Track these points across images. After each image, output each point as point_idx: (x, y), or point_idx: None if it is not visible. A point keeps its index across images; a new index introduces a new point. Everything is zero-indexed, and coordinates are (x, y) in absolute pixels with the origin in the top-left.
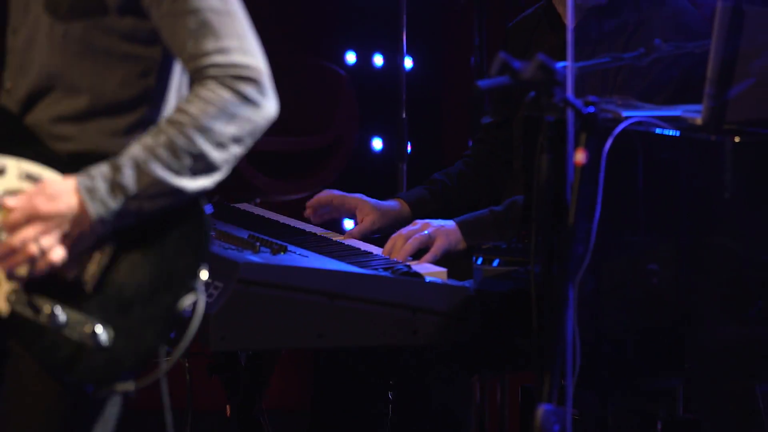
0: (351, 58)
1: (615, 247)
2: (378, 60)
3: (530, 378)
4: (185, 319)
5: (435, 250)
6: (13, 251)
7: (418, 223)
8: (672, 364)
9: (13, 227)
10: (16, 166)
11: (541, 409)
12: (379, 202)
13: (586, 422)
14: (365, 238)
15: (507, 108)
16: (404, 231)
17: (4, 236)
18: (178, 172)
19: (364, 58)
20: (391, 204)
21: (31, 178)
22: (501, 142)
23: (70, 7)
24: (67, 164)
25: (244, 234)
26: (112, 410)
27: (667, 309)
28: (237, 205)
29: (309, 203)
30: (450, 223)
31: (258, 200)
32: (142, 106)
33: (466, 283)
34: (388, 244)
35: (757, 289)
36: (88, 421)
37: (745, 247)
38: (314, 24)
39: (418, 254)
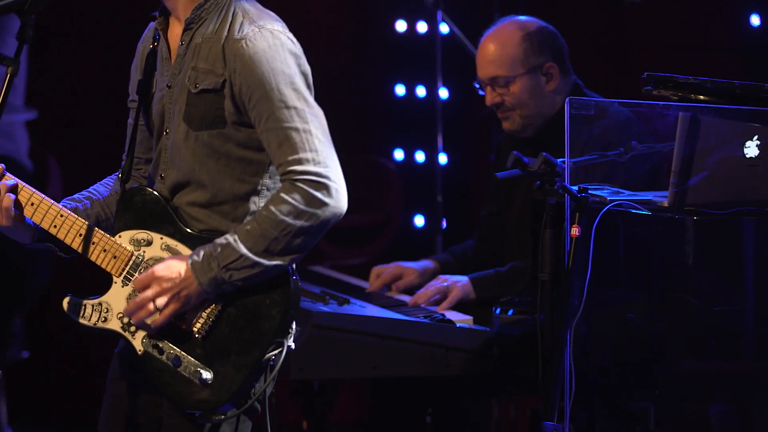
0: (399, 155)
1: (602, 300)
2: (420, 156)
3: (537, 401)
4: (270, 366)
5: (451, 299)
6: (138, 307)
7: (441, 277)
8: (645, 389)
9: (139, 288)
10: (159, 239)
11: (545, 426)
12: (416, 263)
13: None
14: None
15: (497, 204)
16: (429, 284)
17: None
18: (257, 252)
19: (409, 155)
20: (427, 263)
21: (170, 249)
22: (496, 224)
23: (200, 120)
24: (197, 239)
25: (317, 290)
26: (244, 425)
27: (642, 347)
28: (312, 267)
29: (371, 290)
30: (464, 279)
31: (328, 264)
32: (254, 198)
33: (487, 328)
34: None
35: (710, 333)
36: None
37: (701, 301)
38: (371, 129)
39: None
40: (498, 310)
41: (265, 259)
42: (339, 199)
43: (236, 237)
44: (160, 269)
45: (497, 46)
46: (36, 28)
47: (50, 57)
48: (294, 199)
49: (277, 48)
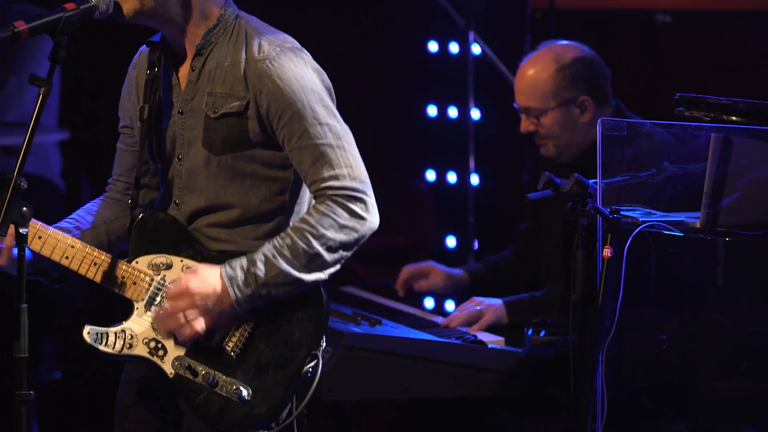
0: (431, 175)
1: (634, 321)
2: (451, 177)
3: (568, 422)
4: (308, 379)
5: (483, 322)
6: (168, 317)
7: (475, 300)
8: (677, 411)
9: (170, 298)
10: (179, 261)
11: None
12: (447, 268)
13: None
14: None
15: (536, 219)
16: (462, 306)
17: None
18: (297, 267)
19: (441, 175)
20: (456, 272)
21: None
22: (534, 240)
23: (222, 144)
24: (217, 259)
25: (348, 310)
26: None
27: (674, 369)
28: (343, 288)
29: (398, 285)
30: (498, 302)
31: (360, 285)
32: (279, 216)
33: (519, 349)
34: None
35: (742, 354)
36: None
37: (733, 322)
38: (403, 150)
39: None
40: (530, 332)
41: (305, 273)
42: (374, 213)
43: (274, 252)
44: (194, 283)
45: (530, 77)
46: (68, 49)
47: (83, 77)
48: (335, 213)
49: (301, 66)
